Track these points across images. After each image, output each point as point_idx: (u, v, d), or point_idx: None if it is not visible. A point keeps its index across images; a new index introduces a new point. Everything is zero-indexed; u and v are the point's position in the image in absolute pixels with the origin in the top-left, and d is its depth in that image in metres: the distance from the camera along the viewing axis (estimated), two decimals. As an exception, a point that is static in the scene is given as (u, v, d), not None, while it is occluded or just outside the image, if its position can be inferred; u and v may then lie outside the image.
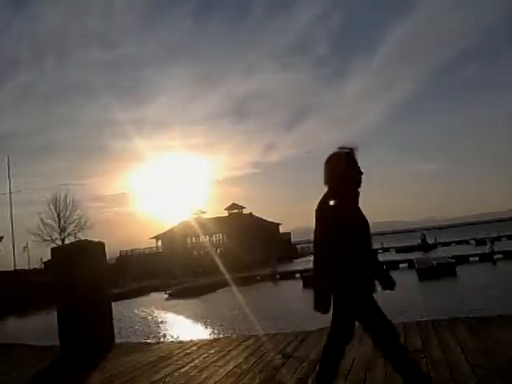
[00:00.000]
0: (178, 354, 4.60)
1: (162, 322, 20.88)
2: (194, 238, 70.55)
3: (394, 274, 2.81)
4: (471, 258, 33.56)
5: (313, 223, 2.71)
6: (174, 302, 27.61)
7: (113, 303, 5.82)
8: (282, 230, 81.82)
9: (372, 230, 2.79)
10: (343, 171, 2.73)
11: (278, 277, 34.74)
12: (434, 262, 28.23)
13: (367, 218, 2.79)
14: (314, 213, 2.70)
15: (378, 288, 2.71)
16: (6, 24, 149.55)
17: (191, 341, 5.27)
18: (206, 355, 4.39)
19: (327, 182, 2.76)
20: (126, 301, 27.99)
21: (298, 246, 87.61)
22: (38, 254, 55.95)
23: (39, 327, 19.65)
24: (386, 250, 54.50)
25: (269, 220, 77.83)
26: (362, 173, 2.80)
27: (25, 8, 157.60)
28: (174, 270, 43.36)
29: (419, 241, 55.85)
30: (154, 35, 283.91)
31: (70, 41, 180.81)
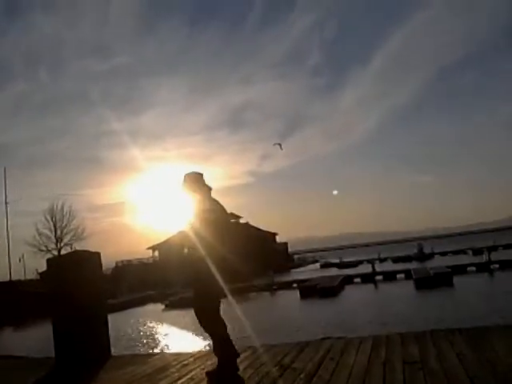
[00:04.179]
0: (175, 365, 4.57)
1: (158, 333, 20.73)
2: (191, 249, 70.19)
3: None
4: (468, 268, 33.59)
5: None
6: (170, 313, 27.43)
7: (109, 315, 5.77)
8: (278, 239, 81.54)
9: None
10: None
11: (274, 287, 34.60)
12: (431, 272, 28.23)
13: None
14: None
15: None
16: (0, 34, 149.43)
17: (188, 352, 5.23)
18: (202, 367, 4.36)
19: None
20: (123, 312, 27.80)
21: (295, 256, 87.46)
22: (34, 265, 55.63)
23: (34, 339, 19.46)
24: (383, 260, 54.44)
25: (265, 230, 77.65)
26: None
27: (19, 18, 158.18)
28: (170, 280, 43.11)
29: (416, 250, 55.78)
30: (149, 45, 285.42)
31: (66, 51, 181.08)
